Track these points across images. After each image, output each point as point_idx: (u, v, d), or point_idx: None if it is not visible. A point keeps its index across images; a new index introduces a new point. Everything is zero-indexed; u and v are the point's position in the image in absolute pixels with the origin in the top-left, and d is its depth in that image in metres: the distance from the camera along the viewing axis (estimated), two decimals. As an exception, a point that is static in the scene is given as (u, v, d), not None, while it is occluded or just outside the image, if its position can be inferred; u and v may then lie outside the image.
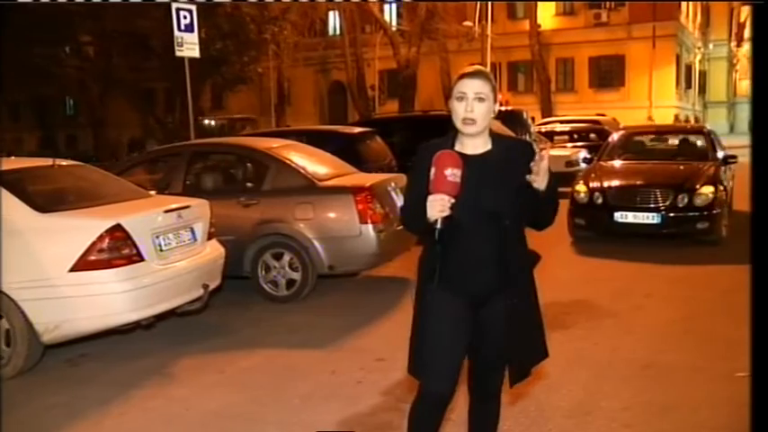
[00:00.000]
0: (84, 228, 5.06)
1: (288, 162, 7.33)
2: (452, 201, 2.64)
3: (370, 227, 6.83)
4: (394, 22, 39.58)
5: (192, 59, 12.63)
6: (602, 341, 5.59)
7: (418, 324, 2.90)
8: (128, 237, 5.14)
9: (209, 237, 6.20)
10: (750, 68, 2.52)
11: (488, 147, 2.85)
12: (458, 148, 2.83)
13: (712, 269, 8.01)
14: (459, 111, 2.77)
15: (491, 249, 2.78)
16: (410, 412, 2.96)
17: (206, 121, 32.79)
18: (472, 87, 2.76)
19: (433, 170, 2.66)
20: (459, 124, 2.79)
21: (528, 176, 2.65)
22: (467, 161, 2.70)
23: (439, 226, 2.66)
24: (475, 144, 2.83)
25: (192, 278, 5.72)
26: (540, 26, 38.61)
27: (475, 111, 2.75)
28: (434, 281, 2.82)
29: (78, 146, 38.08)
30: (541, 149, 2.70)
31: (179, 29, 12.00)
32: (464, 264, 2.80)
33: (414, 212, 2.78)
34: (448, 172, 2.63)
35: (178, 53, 12.14)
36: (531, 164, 2.65)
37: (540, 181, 2.66)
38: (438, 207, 2.63)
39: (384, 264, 7.37)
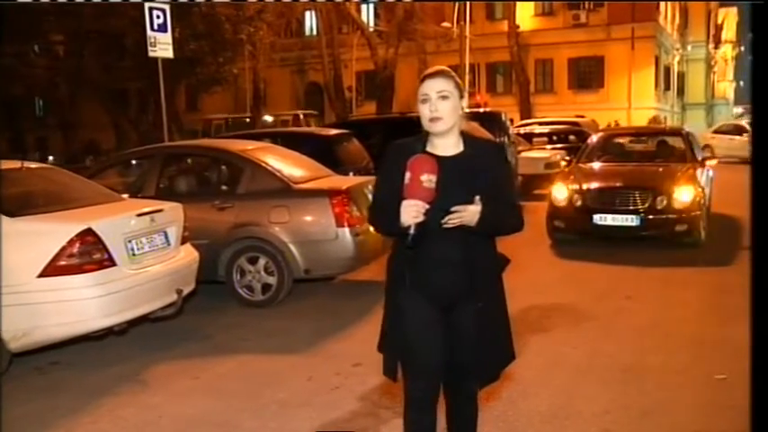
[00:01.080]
0: (53, 232, 5.00)
1: (263, 164, 7.31)
2: (427, 207, 2.65)
3: (346, 230, 6.82)
4: (371, 23, 39.61)
5: (166, 60, 12.55)
6: (581, 344, 5.62)
7: (392, 328, 2.93)
8: (99, 241, 5.09)
9: (183, 241, 6.16)
10: (750, 69, 2.55)
11: (460, 148, 2.87)
12: (429, 149, 2.85)
13: (692, 271, 8.09)
14: (424, 112, 2.81)
15: (460, 252, 2.80)
16: (404, 420, 2.98)
17: (266, 118, 32.37)
18: (434, 87, 2.80)
19: (408, 175, 2.66)
20: (426, 125, 2.82)
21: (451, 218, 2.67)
22: (439, 163, 2.71)
23: (413, 232, 2.66)
24: (446, 145, 2.85)
25: (166, 283, 5.68)
26: (518, 27, 38.78)
27: (439, 109, 2.79)
28: (406, 284, 2.85)
29: (48, 148, 37.64)
30: (452, 214, 2.68)
31: (152, 28, 11.92)
32: (433, 266, 2.83)
33: (384, 215, 2.80)
34: (424, 178, 2.63)
35: (151, 53, 12.06)
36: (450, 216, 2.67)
37: (468, 221, 2.69)
38: (413, 213, 2.64)
39: (361, 268, 7.36)
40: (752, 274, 2.37)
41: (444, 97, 2.79)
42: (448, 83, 2.81)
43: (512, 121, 19.22)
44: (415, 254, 2.78)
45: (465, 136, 2.90)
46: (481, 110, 18.11)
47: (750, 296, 2.34)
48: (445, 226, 2.68)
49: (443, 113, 2.79)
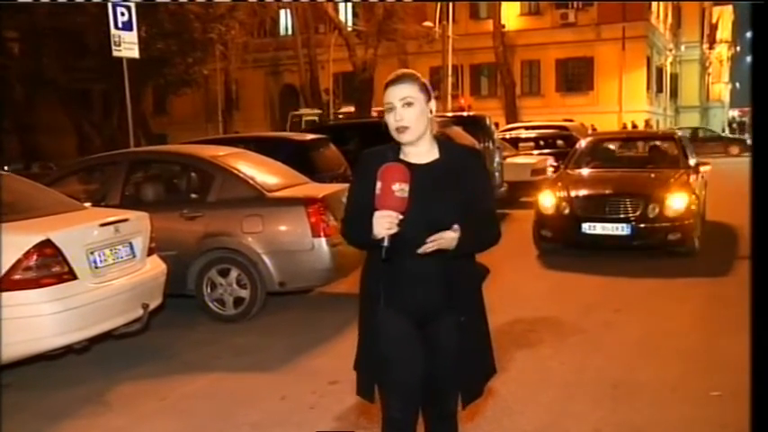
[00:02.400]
0: (8, 244, 4.93)
1: (235, 171, 7.29)
2: (400, 217, 2.65)
3: (323, 240, 6.82)
4: (350, 22, 39.72)
5: (131, 60, 12.49)
6: (569, 360, 5.65)
7: (367, 346, 2.93)
8: (58, 253, 5.04)
9: (150, 252, 6.12)
10: (750, 69, 2.63)
11: (435, 155, 2.87)
12: (402, 157, 2.85)
13: (685, 282, 8.15)
14: (390, 121, 2.79)
15: (436, 264, 2.79)
16: None
17: (343, 109, 31.45)
18: (397, 95, 2.78)
19: (379, 184, 2.65)
20: (393, 134, 2.81)
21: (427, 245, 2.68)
22: (412, 171, 2.70)
23: (386, 244, 2.66)
24: (419, 152, 2.85)
25: (131, 297, 5.63)
26: (504, 27, 39.09)
27: (405, 118, 2.77)
28: (380, 300, 2.85)
29: (2, 152, 37.16)
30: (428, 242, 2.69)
31: (116, 26, 11.84)
32: (410, 280, 2.82)
33: (357, 227, 2.79)
34: (395, 187, 2.63)
35: (116, 53, 11.99)
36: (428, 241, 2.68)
37: (446, 246, 2.69)
38: (385, 224, 2.63)
39: (338, 280, 7.34)
40: (752, 279, 2.40)
41: (409, 104, 2.77)
42: (412, 88, 2.79)
43: (497, 125, 19.32)
44: (390, 267, 2.78)
45: (440, 142, 2.90)
46: (465, 114, 18.22)
47: (750, 306, 2.36)
48: (420, 251, 2.68)
49: (409, 121, 2.77)
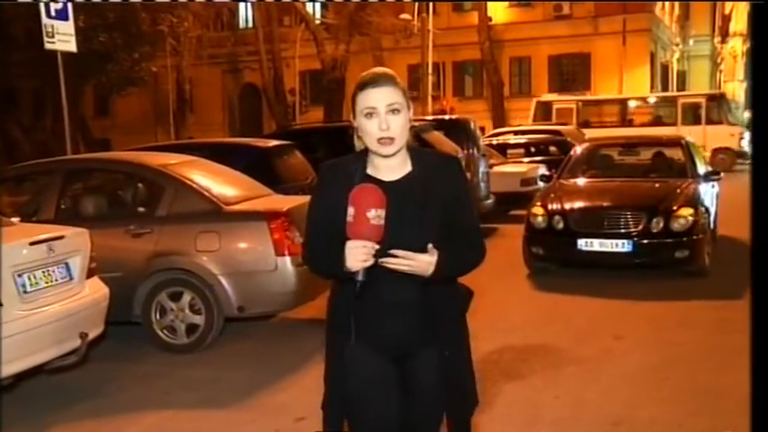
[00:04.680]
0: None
1: (188, 182, 7.27)
2: (376, 247, 2.60)
3: (287, 259, 6.80)
4: (318, 14, 39.81)
5: (68, 55, 12.40)
6: (564, 393, 5.67)
7: (335, 385, 2.88)
8: (-21, 275, 4.99)
9: (90, 274, 6.07)
10: (750, 70, 2.75)
11: (407, 168, 2.81)
12: (371, 171, 2.79)
13: (694, 305, 8.20)
14: (371, 130, 2.70)
15: (415, 292, 2.76)
16: None
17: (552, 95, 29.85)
18: (383, 99, 2.69)
19: (351, 210, 2.59)
20: (374, 145, 2.72)
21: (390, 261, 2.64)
22: (385, 190, 2.63)
23: (361, 278, 2.61)
24: (391, 165, 2.79)
25: (66, 326, 5.58)
26: (490, 19, 39.34)
27: (391, 127, 2.69)
28: (351, 335, 2.81)
29: None
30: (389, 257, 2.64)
31: (48, 15, 11.67)
32: (384, 311, 2.78)
33: (322, 255, 2.75)
34: (371, 214, 2.56)
35: (48, 46, 11.84)
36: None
37: (422, 272, 2.66)
38: (360, 257, 2.58)
39: (305, 303, 7.33)
40: (752, 277, 2.43)
41: (395, 111, 2.69)
42: (397, 92, 2.71)
43: (482, 129, 19.41)
44: (362, 297, 2.72)
45: (413, 151, 2.84)
46: (446, 117, 18.27)
47: (750, 305, 2.39)
48: (388, 265, 2.64)
49: (395, 132, 2.70)
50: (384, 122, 2.68)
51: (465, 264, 2.84)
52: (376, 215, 2.57)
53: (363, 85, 2.72)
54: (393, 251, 2.62)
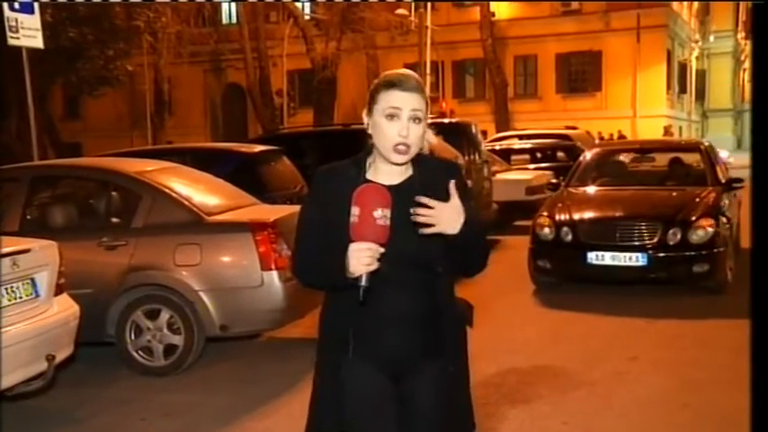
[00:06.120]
0: None
1: (166, 190, 7.26)
2: (381, 250, 2.61)
3: (274, 274, 6.80)
4: (307, 10, 39.87)
5: (34, 51, 12.38)
6: (573, 419, 5.66)
7: (330, 407, 2.87)
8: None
9: (58, 291, 6.05)
10: (750, 70, 2.88)
11: (409, 172, 2.85)
12: (371, 175, 2.82)
13: (714, 324, 8.20)
14: (390, 133, 2.72)
15: (419, 305, 2.78)
16: None
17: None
18: (409, 103, 2.72)
19: (356, 210, 2.61)
20: (387, 150, 2.75)
21: (419, 217, 2.64)
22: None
23: (364, 283, 2.62)
24: (392, 171, 2.82)
25: (32, 347, 5.54)
26: (494, 15, 39.53)
27: (411, 135, 2.72)
28: (349, 350, 2.81)
29: None
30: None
31: (12, 8, 11.62)
32: (385, 323, 2.79)
33: (320, 264, 2.76)
34: (378, 213, 2.59)
35: (12, 41, 11.81)
36: (422, 206, 2.63)
37: (449, 225, 2.66)
38: (365, 260, 2.59)
39: (292, 322, 7.33)
40: (752, 278, 2.45)
41: (418, 120, 2.73)
42: (422, 100, 2.74)
43: (485, 134, 19.50)
44: (361, 309, 2.73)
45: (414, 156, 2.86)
46: (446, 120, 18.28)
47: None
48: (420, 228, 2.63)
49: (413, 141, 2.73)
50: (405, 129, 2.71)
51: (480, 247, 2.86)
52: (382, 215, 2.60)
53: (390, 84, 2.75)
54: (419, 198, 2.62)
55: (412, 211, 2.63)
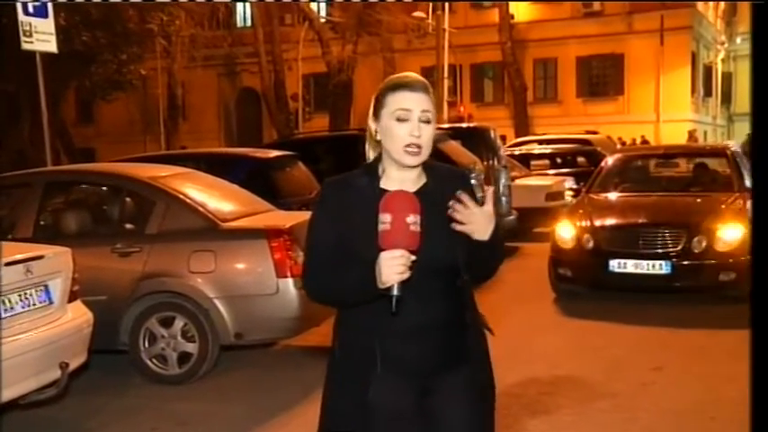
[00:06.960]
0: None
1: (180, 196, 7.29)
2: (413, 258, 2.59)
3: (290, 281, 6.80)
4: (323, 12, 39.95)
5: (48, 56, 12.44)
6: (595, 431, 5.64)
7: (351, 421, 2.82)
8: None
9: (72, 297, 6.07)
10: (749, 71, 2.91)
11: (423, 180, 2.84)
12: (384, 184, 2.80)
13: (743, 335, 8.07)
14: (401, 134, 2.72)
15: (445, 313, 2.78)
16: None
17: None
18: (419, 104, 2.74)
19: (387, 217, 2.58)
20: (399, 153, 2.74)
21: (456, 222, 2.67)
22: None
23: (396, 293, 2.58)
24: (405, 178, 2.80)
25: (45, 355, 5.57)
26: (513, 17, 39.47)
27: (422, 135, 2.73)
28: (377, 364, 2.75)
29: None
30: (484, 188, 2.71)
31: (26, 12, 11.68)
32: (412, 335, 2.75)
33: (344, 277, 2.72)
34: (410, 219, 2.57)
35: (26, 46, 11.86)
36: (461, 203, 2.65)
37: (480, 230, 2.68)
38: (398, 268, 2.56)
39: (308, 330, 7.33)
40: (752, 278, 2.45)
41: (428, 121, 2.74)
42: (430, 101, 2.76)
43: (504, 138, 19.46)
44: (385, 321, 2.69)
45: (425, 164, 2.85)
46: (464, 125, 18.28)
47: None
48: (453, 224, 2.66)
49: (425, 142, 2.74)
50: (417, 129, 2.72)
51: (499, 257, 2.90)
52: (414, 221, 2.58)
53: (396, 86, 2.77)
54: (459, 194, 2.65)
55: (450, 204, 2.64)
